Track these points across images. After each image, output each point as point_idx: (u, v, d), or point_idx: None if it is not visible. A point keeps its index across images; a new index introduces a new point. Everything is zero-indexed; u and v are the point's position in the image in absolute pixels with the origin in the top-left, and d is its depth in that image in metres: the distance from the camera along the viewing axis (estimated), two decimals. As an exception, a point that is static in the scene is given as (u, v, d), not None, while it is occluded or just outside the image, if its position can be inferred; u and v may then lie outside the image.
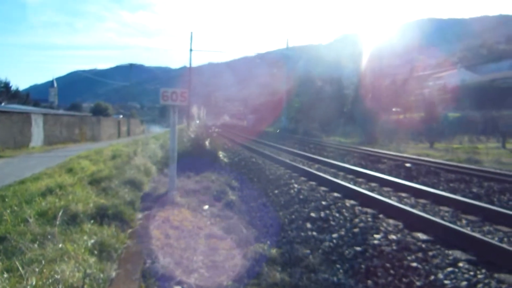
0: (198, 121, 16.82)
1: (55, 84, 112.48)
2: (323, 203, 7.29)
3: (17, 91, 66.33)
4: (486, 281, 3.85)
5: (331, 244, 5.32)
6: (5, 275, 3.41)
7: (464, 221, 6.17)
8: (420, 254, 4.58)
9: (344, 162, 13.73)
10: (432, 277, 4.01)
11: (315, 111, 43.16)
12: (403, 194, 8.20)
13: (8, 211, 6.05)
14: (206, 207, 7.90)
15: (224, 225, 6.72)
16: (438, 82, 47.45)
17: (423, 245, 4.85)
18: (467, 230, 5.32)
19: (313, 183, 9.54)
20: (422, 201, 7.59)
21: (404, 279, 4.08)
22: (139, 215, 6.81)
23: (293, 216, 6.91)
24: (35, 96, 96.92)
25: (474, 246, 4.66)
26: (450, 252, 4.65)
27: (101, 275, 3.81)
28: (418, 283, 3.95)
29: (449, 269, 4.17)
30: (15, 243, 4.36)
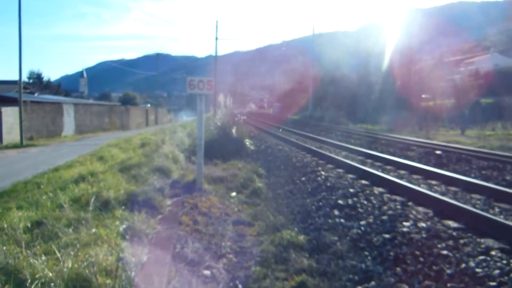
0: (224, 109, 16.90)
1: (85, 75, 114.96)
2: (351, 190, 7.24)
3: (48, 82, 68.22)
4: (520, 270, 3.76)
5: (359, 231, 5.30)
6: (43, 258, 3.56)
7: (496, 209, 6.02)
8: (450, 242, 4.50)
9: (371, 149, 13.56)
10: (463, 265, 3.94)
11: (341, 98, 42.61)
12: (433, 182, 8.05)
13: (43, 197, 6.29)
14: (234, 194, 7.99)
15: (251, 211, 6.79)
16: (470, 67, 45.97)
17: (454, 233, 4.77)
18: (500, 218, 5.19)
19: (341, 170, 9.47)
20: (453, 188, 7.43)
21: (434, 267, 4.03)
22: (168, 202, 6.95)
23: (321, 203, 6.90)
24: (66, 86, 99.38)
25: (507, 234, 4.55)
26: (482, 240, 4.55)
27: (133, 259, 3.92)
28: (448, 271, 3.89)
29: (481, 257, 4.09)
30: (51, 227, 4.54)
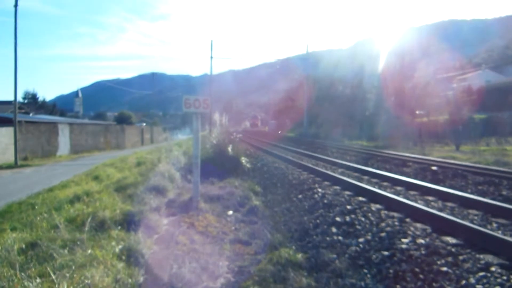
0: (220, 128, 16.93)
1: (80, 94, 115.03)
2: (348, 207, 7.21)
3: (44, 102, 68.22)
4: (521, 285, 3.73)
5: (358, 248, 5.26)
6: (38, 280, 3.50)
7: (494, 225, 6.00)
8: (450, 259, 4.47)
9: (367, 166, 13.57)
10: (464, 282, 3.91)
11: (336, 115, 42.83)
12: (430, 198, 8.04)
13: (38, 218, 6.22)
14: (230, 212, 7.93)
15: (249, 230, 6.73)
16: (462, 83, 46.52)
17: (453, 249, 4.74)
18: (499, 234, 5.18)
19: (337, 187, 9.45)
20: (450, 204, 7.42)
21: (434, 284, 3.99)
22: (165, 221, 6.89)
23: (318, 221, 6.86)
24: (61, 106, 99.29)
25: (506, 250, 4.53)
26: (481, 256, 4.53)
27: (130, 280, 3.87)
28: (449, 288, 3.86)
29: (481, 273, 4.06)
30: (46, 249, 4.47)
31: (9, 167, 19.49)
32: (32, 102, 62.59)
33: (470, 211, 6.87)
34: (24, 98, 62.24)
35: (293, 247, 5.64)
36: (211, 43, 43.00)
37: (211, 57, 42.65)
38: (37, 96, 66.56)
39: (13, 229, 5.73)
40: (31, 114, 43.08)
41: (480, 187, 9.43)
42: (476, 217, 6.45)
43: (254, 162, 16.10)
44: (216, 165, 12.90)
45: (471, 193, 8.64)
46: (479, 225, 5.71)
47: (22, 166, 19.99)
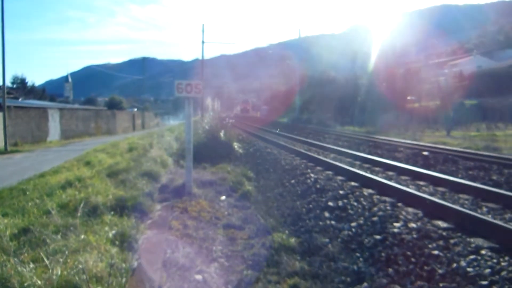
0: (212, 113, 16.87)
1: (70, 79, 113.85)
2: (341, 192, 7.25)
3: (33, 87, 67.27)
4: (510, 268, 3.80)
5: (350, 232, 5.31)
6: (31, 265, 3.48)
7: (484, 209, 6.08)
8: (441, 242, 4.53)
9: (359, 151, 13.64)
10: (455, 265, 3.96)
11: (328, 101, 42.88)
12: (421, 183, 8.11)
13: (30, 203, 6.17)
14: (223, 197, 7.94)
15: (242, 215, 6.76)
16: (454, 69, 46.67)
17: (444, 233, 4.80)
18: (489, 218, 5.25)
19: (330, 172, 9.49)
20: (441, 189, 7.49)
21: (425, 267, 4.05)
22: (158, 206, 6.89)
23: (311, 206, 6.90)
24: (51, 91, 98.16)
25: (496, 233, 4.59)
26: (471, 239, 4.59)
27: (123, 265, 3.87)
28: (440, 271, 3.91)
29: (472, 256, 4.12)
30: (39, 234, 4.45)
31: (-1, 153, 19.27)
32: (21, 87, 61.67)
33: (461, 195, 6.95)
34: (12, 83, 61.27)
35: (286, 232, 5.69)
36: (203, 28, 42.59)
37: (203, 42, 42.33)
38: (26, 81, 65.55)
39: (5, 214, 5.68)
40: (20, 99, 42.56)
41: (470, 172, 9.53)
42: (466, 202, 6.53)
43: (246, 148, 16.10)
44: (208, 150, 12.87)
45: (462, 178, 8.73)
46: (470, 209, 5.78)
47: (12, 152, 19.77)
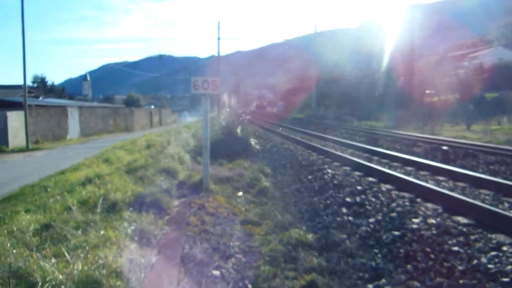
0: (228, 109, 16.92)
1: (88, 78, 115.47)
2: (358, 188, 7.20)
3: (52, 86, 68.48)
4: (533, 265, 3.72)
5: (368, 229, 5.27)
6: (53, 260, 3.56)
7: (506, 204, 5.97)
8: (461, 238, 4.46)
9: (377, 146, 13.51)
10: (475, 261, 3.90)
11: (344, 96, 42.54)
12: (441, 178, 8.00)
13: (51, 200, 6.30)
14: (240, 193, 7.96)
15: (259, 211, 6.76)
16: (474, 62, 45.77)
17: (464, 229, 4.73)
18: (510, 213, 5.15)
19: (347, 168, 9.43)
20: (461, 184, 7.38)
21: (445, 264, 3.99)
22: (176, 202, 6.95)
23: (328, 202, 6.87)
24: (70, 90, 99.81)
25: (518, 229, 4.51)
26: (493, 236, 4.51)
27: (142, 260, 3.92)
28: (460, 268, 3.86)
29: (493, 253, 4.04)
30: (60, 230, 4.54)
31: (20, 150, 19.71)
32: (41, 86, 62.81)
33: (482, 190, 6.83)
34: (33, 82, 62.44)
35: (304, 228, 5.66)
36: (218, 24, 42.69)
37: (219, 38, 42.40)
38: (46, 80, 66.74)
39: (27, 211, 5.82)
40: (40, 98, 43.37)
41: (491, 167, 9.35)
42: (487, 197, 6.41)
43: (263, 143, 16.10)
44: (225, 146, 12.92)
45: (483, 172, 8.58)
46: (491, 205, 5.67)
47: (33, 149, 20.21)
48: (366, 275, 4.21)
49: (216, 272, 4.29)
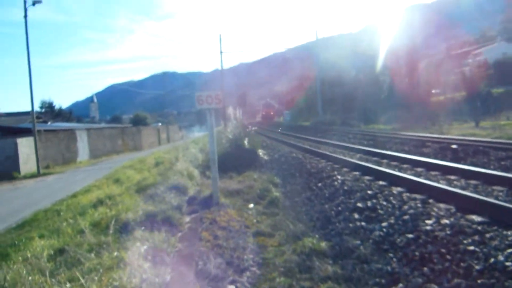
0: (235, 121, 16.96)
1: (95, 99, 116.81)
2: (369, 192, 7.15)
3: (60, 110, 69.41)
4: (551, 260, 3.66)
5: (381, 233, 5.22)
6: (68, 285, 3.58)
7: (520, 200, 5.88)
8: (476, 237, 4.40)
9: (386, 149, 13.44)
10: (492, 260, 3.85)
11: (350, 100, 42.47)
12: (452, 177, 7.92)
13: (64, 224, 6.35)
14: (251, 205, 7.95)
15: (271, 222, 6.74)
16: (478, 58, 45.48)
17: (479, 228, 4.67)
18: (525, 209, 5.07)
19: (357, 173, 9.38)
20: (473, 182, 7.30)
21: (462, 264, 3.94)
22: (187, 219, 6.95)
23: (339, 208, 6.83)
24: (77, 112, 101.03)
25: (534, 224, 4.44)
26: (508, 232, 4.44)
27: (157, 280, 3.92)
28: (477, 267, 3.80)
29: (509, 250, 3.98)
30: (74, 254, 4.56)
31: (32, 176, 19.91)
32: (49, 110, 63.71)
33: (494, 187, 6.75)
34: (41, 108, 63.41)
35: (316, 236, 5.64)
36: (220, 38, 43.01)
37: (221, 52, 42.71)
38: (54, 104, 67.76)
39: (41, 236, 5.87)
40: (49, 123, 43.87)
41: (503, 163, 9.25)
42: (501, 194, 6.33)
43: (271, 154, 16.09)
44: (233, 159, 12.94)
45: (494, 169, 8.49)
46: (505, 201, 5.60)
47: (44, 174, 20.39)
48: (383, 281, 4.17)
49: (231, 287, 4.28)
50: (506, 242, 4.18)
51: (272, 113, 76.70)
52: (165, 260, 4.66)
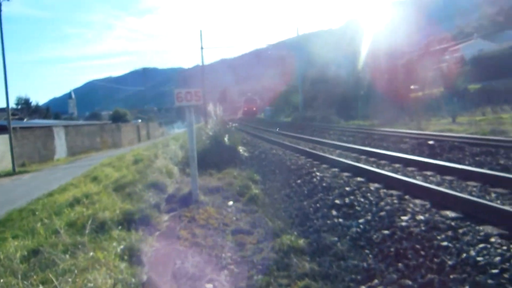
0: (215, 118, 16.88)
1: (73, 96, 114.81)
2: (347, 189, 7.22)
3: (37, 106, 68.06)
4: (521, 254, 3.76)
5: (358, 229, 5.28)
6: (41, 287, 3.51)
7: (493, 195, 6.02)
8: (450, 233, 4.49)
9: (364, 145, 13.58)
10: (464, 255, 3.93)
11: (331, 97, 42.73)
12: (428, 173, 8.05)
13: (39, 224, 6.23)
14: (231, 203, 7.94)
15: (250, 219, 6.75)
16: (455, 55, 46.31)
17: (453, 223, 4.76)
18: (497, 204, 5.20)
19: (335, 169, 9.46)
20: (448, 178, 7.44)
21: (435, 259, 4.02)
22: (165, 217, 6.90)
23: (318, 205, 6.88)
24: (55, 109, 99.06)
25: (505, 219, 4.55)
26: (481, 228, 4.55)
27: (133, 280, 3.88)
28: (450, 262, 3.88)
29: (481, 245, 4.07)
30: (48, 255, 4.48)
31: (7, 174, 19.47)
32: (25, 107, 62.40)
33: (469, 183, 6.89)
34: (17, 104, 62.06)
35: (295, 233, 5.67)
36: (201, 34, 42.78)
37: (202, 48, 42.46)
38: (30, 101, 66.42)
39: (15, 237, 5.75)
40: (25, 120, 42.96)
41: (477, 158, 9.44)
42: (475, 189, 6.47)
43: (251, 150, 16.08)
44: (214, 156, 12.88)
45: (469, 164, 8.67)
46: (478, 197, 5.73)
47: (20, 172, 19.97)
48: (359, 277, 4.22)
49: (209, 286, 4.27)
50: (478, 238, 4.27)
51: (254, 109, 76.69)
52: (142, 260, 4.62)
